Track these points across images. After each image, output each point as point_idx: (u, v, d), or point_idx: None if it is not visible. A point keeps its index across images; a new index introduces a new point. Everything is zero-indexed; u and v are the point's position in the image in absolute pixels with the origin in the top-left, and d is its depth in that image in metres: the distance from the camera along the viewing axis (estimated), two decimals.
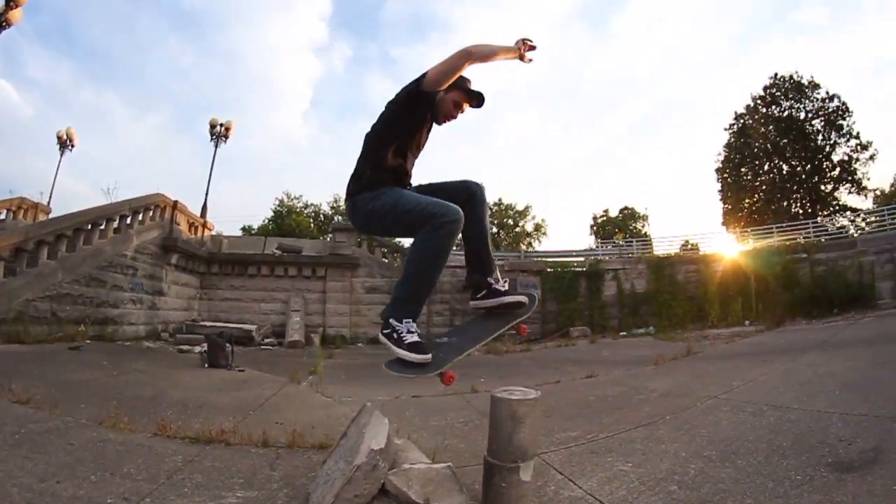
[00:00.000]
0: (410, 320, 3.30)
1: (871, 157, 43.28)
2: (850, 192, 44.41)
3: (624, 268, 22.69)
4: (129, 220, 14.98)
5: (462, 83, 3.51)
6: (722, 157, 48.87)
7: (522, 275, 21.26)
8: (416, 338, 3.24)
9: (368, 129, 3.60)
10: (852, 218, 40.90)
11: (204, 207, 21.21)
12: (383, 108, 3.54)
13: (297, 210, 55.39)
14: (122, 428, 4.72)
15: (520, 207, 64.66)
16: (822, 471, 3.96)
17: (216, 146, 23.24)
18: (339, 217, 54.33)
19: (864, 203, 43.96)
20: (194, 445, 4.47)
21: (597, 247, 32.40)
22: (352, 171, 3.59)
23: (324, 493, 3.22)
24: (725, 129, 48.69)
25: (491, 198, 57.83)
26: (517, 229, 64.03)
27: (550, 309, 21.16)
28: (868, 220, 36.13)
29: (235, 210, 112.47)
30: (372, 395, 7.79)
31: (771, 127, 44.99)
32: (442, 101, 3.50)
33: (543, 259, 24.76)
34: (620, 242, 33.33)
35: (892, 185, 48.35)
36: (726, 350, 11.96)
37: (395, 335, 3.30)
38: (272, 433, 4.79)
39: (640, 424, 5.77)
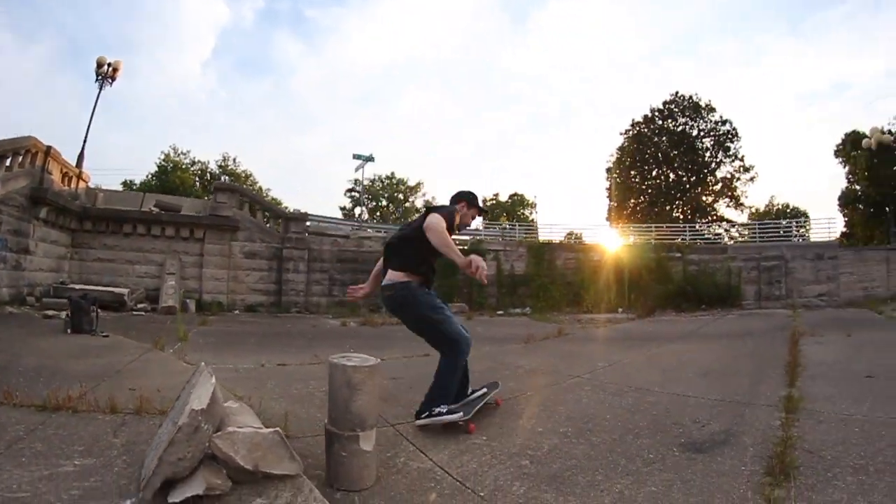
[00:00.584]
0: (444, 405, 4.57)
1: (752, 179, 49.03)
2: (728, 206, 49.83)
3: (505, 249, 22.87)
4: None
5: (475, 202, 5.35)
6: (614, 159, 51.76)
7: None
8: (447, 410, 4.54)
9: (407, 230, 5.02)
10: (727, 228, 45.91)
11: (81, 156, 19.02)
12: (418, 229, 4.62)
13: (184, 167, 51.95)
14: None
15: (412, 183, 64.94)
16: (675, 450, 3.98)
17: (101, 87, 20.49)
18: (227, 177, 52.03)
19: (740, 217, 49.44)
20: (40, 413, 4.18)
21: (481, 227, 32.92)
22: (402, 253, 4.88)
23: (152, 457, 2.91)
24: (621, 134, 51.64)
25: (383, 170, 57.36)
26: (406, 204, 64.14)
27: None
28: (741, 232, 40.55)
29: (118, 162, 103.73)
30: (238, 363, 7.42)
31: (664, 138, 48.82)
32: (464, 216, 5.17)
33: None
34: (505, 225, 33.99)
35: (766, 206, 55.64)
36: (597, 334, 12.23)
37: (433, 415, 4.56)
38: (121, 400, 4.48)
39: (501, 399, 5.66)
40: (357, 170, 38.51)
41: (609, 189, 51.88)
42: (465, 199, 5.27)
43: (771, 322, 13.52)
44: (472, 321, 15.82)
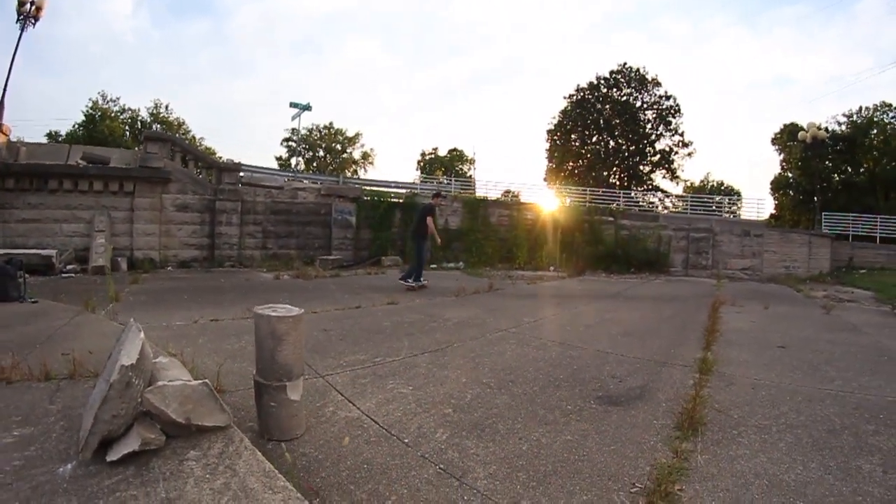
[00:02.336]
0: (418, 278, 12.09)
1: (689, 154, 50.45)
2: (664, 177, 51.16)
3: (440, 204, 23.01)
4: None
5: (441, 194, 15.52)
6: (556, 121, 51.92)
7: (339, 200, 20.64)
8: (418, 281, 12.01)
9: (418, 218, 12.92)
10: (662, 198, 48.19)
11: (0, 106, 17.76)
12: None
13: (112, 115, 49.26)
14: None
15: (350, 133, 64.12)
16: (592, 403, 4.21)
17: (22, 28, 18.89)
18: (159, 126, 50.09)
19: (675, 189, 50.96)
20: None
21: (419, 181, 32.86)
22: (418, 226, 12.82)
23: (88, 418, 2.90)
24: (565, 98, 51.79)
25: (321, 120, 55.94)
26: (344, 155, 63.48)
27: (364, 237, 21.03)
28: (675, 203, 42.53)
29: (42, 113, 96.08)
30: (171, 320, 7.33)
31: (608, 106, 49.59)
32: (438, 204, 14.15)
33: (362, 186, 24.49)
34: (442, 180, 34.05)
35: (701, 181, 59.63)
36: (526, 290, 12.54)
37: (410, 284, 11.87)
38: (55, 366, 4.42)
39: (427, 350, 5.83)
40: (294, 119, 37.52)
41: (549, 150, 52.52)
42: (437, 195, 14.04)
43: (696, 289, 14.07)
44: None
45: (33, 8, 18.88)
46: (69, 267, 14.82)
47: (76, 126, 46.45)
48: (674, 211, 27.50)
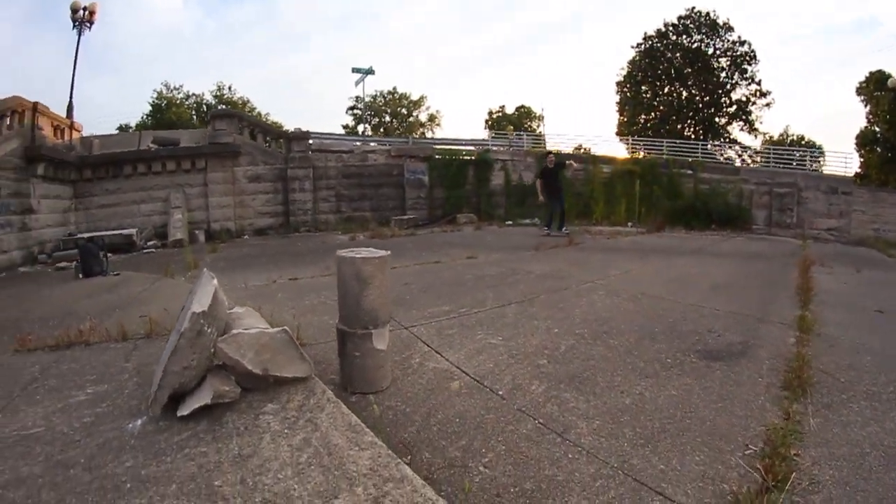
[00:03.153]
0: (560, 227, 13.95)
1: (768, 105, 46.40)
2: (741, 130, 47.53)
3: (513, 159, 22.49)
4: None
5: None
6: (625, 73, 49.39)
7: (410, 160, 20.45)
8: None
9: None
10: (740, 152, 44.11)
11: (70, 107, 18.20)
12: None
13: (178, 102, 49.86)
14: None
15: (414, 97, 62.72)
16: (692, 357, 3.93)
17: (80, 33, 19.45)
18: (224, 106, 50.99)
19: (753, 142, 47.18)
20: (54, 353, 4.11)
21: (489, 138, 32.16)
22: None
23: (158, 371, 2.83)
24: (633, 47, 48.78)
25: (384, 86, 55.47)
26: (410, 119, 62.36)
27: (437, 196, 20.73)
28: (753, 157, 39.59)
29: (109, 110, 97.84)
30: (248, 281, 7.37)
31: (678, 54, 46.12)
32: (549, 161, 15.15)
33: (433, 146, 24.07)
34: (512, 136, 33.29)
35: (780, 135, 53.40)
36: (606, 244, 12.05)
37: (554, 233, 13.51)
38: (132, 327, 4.47)
39: (514, 301, 5.60)
40: (357, 84, 37.23)
41: (619, 103, 49.77)
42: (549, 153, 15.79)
43: (780, 248, 13.16)
44: (481, 231, 15.92)
45: (86, 13, 19.41)
46: (149, 243, 15.35)
47: (145, 117, 47.16)
48: (755, 164, 25.74)
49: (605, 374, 3.55)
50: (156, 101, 48.37)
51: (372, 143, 24.11)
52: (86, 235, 13.54)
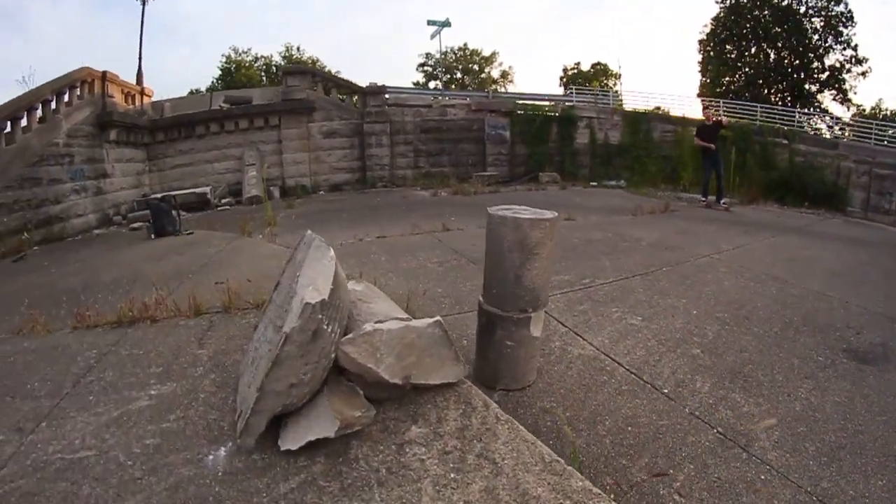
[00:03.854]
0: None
1: (863, 74, 41.95)
2: (833, 99, 43.41)
3: (598, 117, 21.34)
4: (53, 105, 12.84)
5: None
6: (708, 30, 46.52)
7: (491, 115, 19.69)
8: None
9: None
10: (831, 124, 40.32)
11: (139, 73, 18.72)
12: None
13: (247, 64, 49.76)
14: (38, 332, 3.78)
15: (486, 53, 61.25)
16: (841, 356, 3.67)
17: (144, 3, 20.57)
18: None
19: (845, 114, 43.08)
20: (114, 331, 3.62)
21: (571, 93, 30.94)
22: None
23: (248, 383, 2.15)
24: (717, 2, 46.00)
25: (456, 42, 53.94)
26: (483, 75, 60.80)
27: (519, 152, 19.87)
28: (845, 130, 36.61)
29: (180, 78, 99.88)
30: (333, 239, 6.88)
31: (767, 11, 42.81)
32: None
33: (514, 100, 22.89)
34: (597, 91, 31.99)
35: (872, 108, 50.16)
36: (703, 214, 11.44)
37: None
38: (207, 298, 3.94)
39: (637, 273, 5.30)
40: (433, 37, 36.52)
41: (701, 63, 46.84)
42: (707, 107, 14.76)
43: (882, 236, 12.37)
44: (566, 191, 15.37)
45: None
46: (224, 201, 15.39)
47: (214, 81, 47.29)
48: (854, 139, 23.86)
49: (766, 371, 3.31)
50: (225, 66, 48.57)
51: (449, 97, 23.54)
52: (159, 196, 13.67)
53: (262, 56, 51.43)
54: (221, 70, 48.32)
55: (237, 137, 17.30)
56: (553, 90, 66.80)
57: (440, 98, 21.89)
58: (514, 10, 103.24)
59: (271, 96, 18.90)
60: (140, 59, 19.75)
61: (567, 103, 23.27)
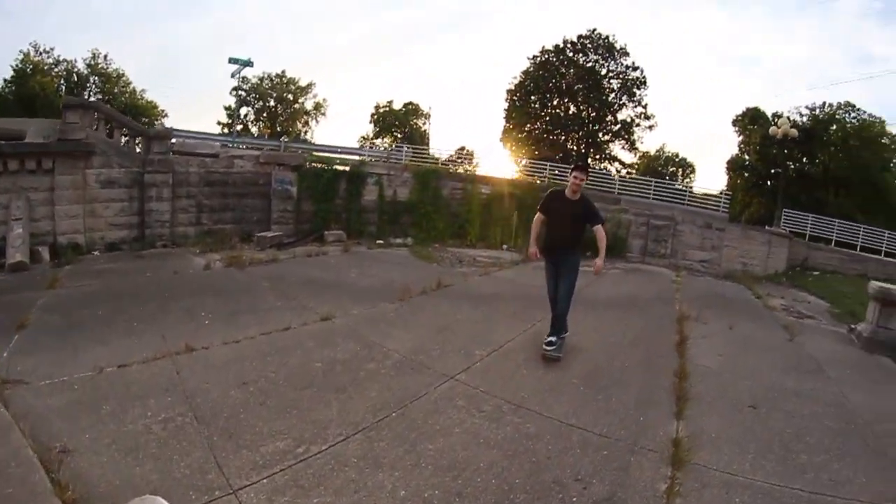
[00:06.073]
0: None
1: (650, 128, 50.85)
2: (623, 148, 51.79)
3: (389, 173, 21.60)
4: None
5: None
6: (517, 81, 51.21)
7: (279, 168, 18.94)
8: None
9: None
10: (619, 169, 49.98)
11: None
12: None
13: (46, 68, 44.49)
14: None
15: (303, 83, 61.43)
16: None
17: None
18: (97, 78, 46.62)
19: (632, 159, 52.99)
20: None
21: (367, 145, 31.44)
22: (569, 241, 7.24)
23: None
24: (528, 59, 51.05)
25: (275, 68, 53.60)
26: (296, 105, 61.18)
27: (306, 209, 19.40)
28: (630, 173, 44.21)
29: None
30: (73, 368, 5.73)
31: (572, 71, 49.24)
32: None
33: (309, 151, 23.41)
34: (390, 146, 32.78)
35: (657, 151, 62.50)
36: (479, 286, 11.50)
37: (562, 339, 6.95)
38: None
39: (361, 428, 4.77)
40: (234, 76, 35.59)
41: (507, 110, 51.76)
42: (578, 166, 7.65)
43: (656, 286, 13.70)
44: (349, 254, 15.18)
45: None
46: None
47: (4, 84, 42.04)
48: (631, 189, 26.58)
49: None
50: (20, 66, 42.93)
51: (242, 146, 22.56)
52: None
53: (64, 59, 46.53)
54: (15, 71, 42.53)
55: (5, 181, 14.58)
56: (364, 127, 67.94)
57: (229, 146, 21.00)
58: (336, 42, 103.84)
59: (48, 131, 16.25)
60: None
61: (360, 156, 23.52)
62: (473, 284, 11.78)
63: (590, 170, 9.24)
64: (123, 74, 49.22)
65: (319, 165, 20.26)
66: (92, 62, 47.40)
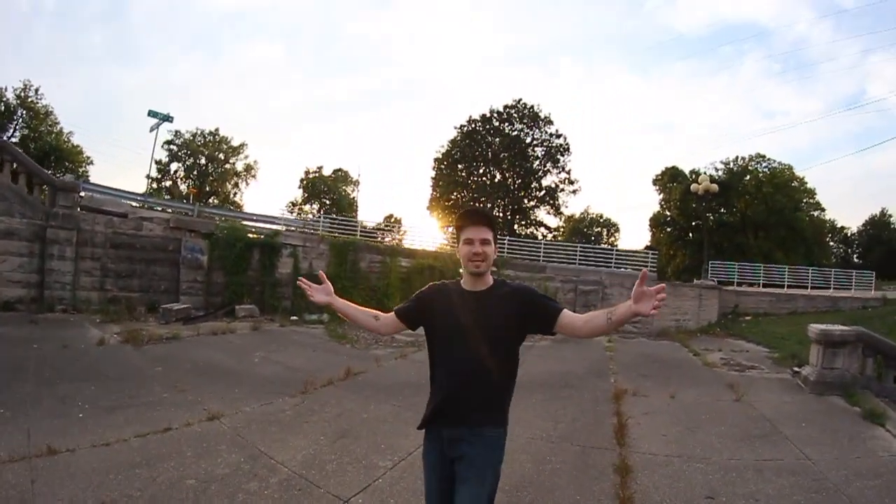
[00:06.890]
0: None
1: (574, 192, 52.65)
2: (548, 213, 53.47)
3: (305, 245, 20.57)
4: None
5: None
6: (444, 150, 52.08)
7: (190, 234, 17.68)
8: None
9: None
10: (545, 234, 51.77)
11: None
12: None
13: None
14: None
15: (235, 143, 61.00)
16: None
17: None
18: (25, 112, 44.11)
19: (558, 222, 54.80)
20: None
21: (296, 211, 30.59)
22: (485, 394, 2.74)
23: None
24: (455, 128, 51.91)
25: (206, 126, 52.78)
26: (227, 165, 60.34)
27: (217, 280, 18.07)
28: (557, 237, 45.26)
29: None
30: None
31: (498, 139, 50.74)
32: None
33: (217, 220, 21.49)
34: (309, 217, 31.89)
35: (581, 213, 65.42)
36: (393, 373, 10.56)
37: None
38: None
39: None
40: (152, 130, 34.01)
41: (434, 179, 52.60)
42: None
43: (589, 355, 13.26)
44: (258, 332, 14.06)
45: None
46: None
47: None
48: (557, 256, 26.49)
49: None
50: None
51: (157, 208, 21.02)
52: None
53: None
54: None
55: None
56: (293, 192, 67.12)
57: (138, 207, 19.52)
58: (270, 106, 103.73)
59: None
60: None
61: (274, 225, 22.50)
62: (387, 370, 10.85)
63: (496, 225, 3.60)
64: (52, 112, 46.87)
65: (232, 234, 19.07)
66: (22, 93, 44.94)
